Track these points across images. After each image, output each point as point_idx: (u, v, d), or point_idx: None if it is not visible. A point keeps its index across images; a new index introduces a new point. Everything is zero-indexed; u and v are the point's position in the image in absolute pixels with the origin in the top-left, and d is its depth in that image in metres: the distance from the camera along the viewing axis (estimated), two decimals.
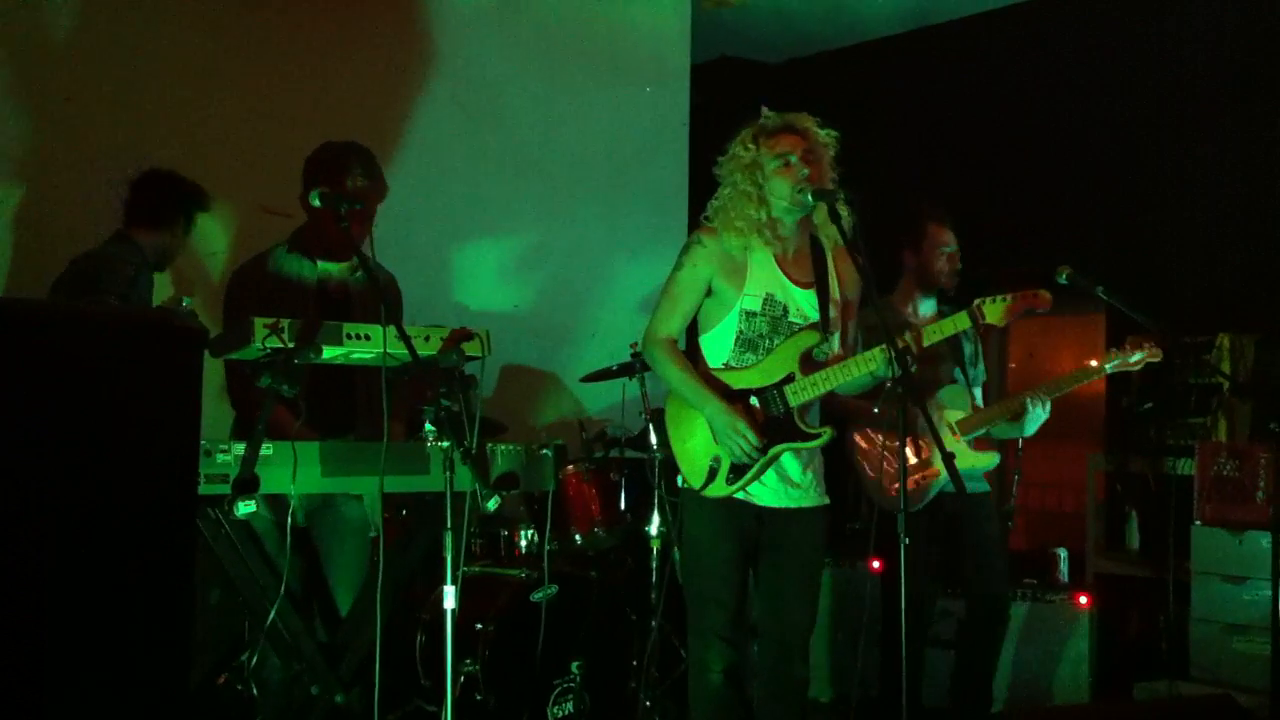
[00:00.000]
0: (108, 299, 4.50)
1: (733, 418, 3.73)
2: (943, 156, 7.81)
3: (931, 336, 3.80)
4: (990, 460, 4.90)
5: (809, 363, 3.80)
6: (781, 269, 3.86)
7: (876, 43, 8.30)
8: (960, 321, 3.83)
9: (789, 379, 3.78)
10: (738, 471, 3.78)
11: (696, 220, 4.01)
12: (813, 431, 3.80)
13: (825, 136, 3.87)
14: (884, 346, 3.64)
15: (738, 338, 3.84)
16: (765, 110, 3.90)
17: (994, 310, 3.81)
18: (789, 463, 3.84)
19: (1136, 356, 4.69)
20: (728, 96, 7.61)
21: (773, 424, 3.78)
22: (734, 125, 3.93)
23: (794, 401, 3.77)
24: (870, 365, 3.69)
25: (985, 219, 5.05)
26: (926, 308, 5.03)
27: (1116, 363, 4.70)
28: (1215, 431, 5.86)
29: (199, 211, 4.95)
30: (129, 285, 4.64)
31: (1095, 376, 4.78)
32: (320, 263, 4.05)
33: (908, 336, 3.72)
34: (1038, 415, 4.75)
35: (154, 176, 4.87)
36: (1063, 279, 4.58)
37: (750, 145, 3.84)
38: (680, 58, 7.36)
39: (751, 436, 3.71)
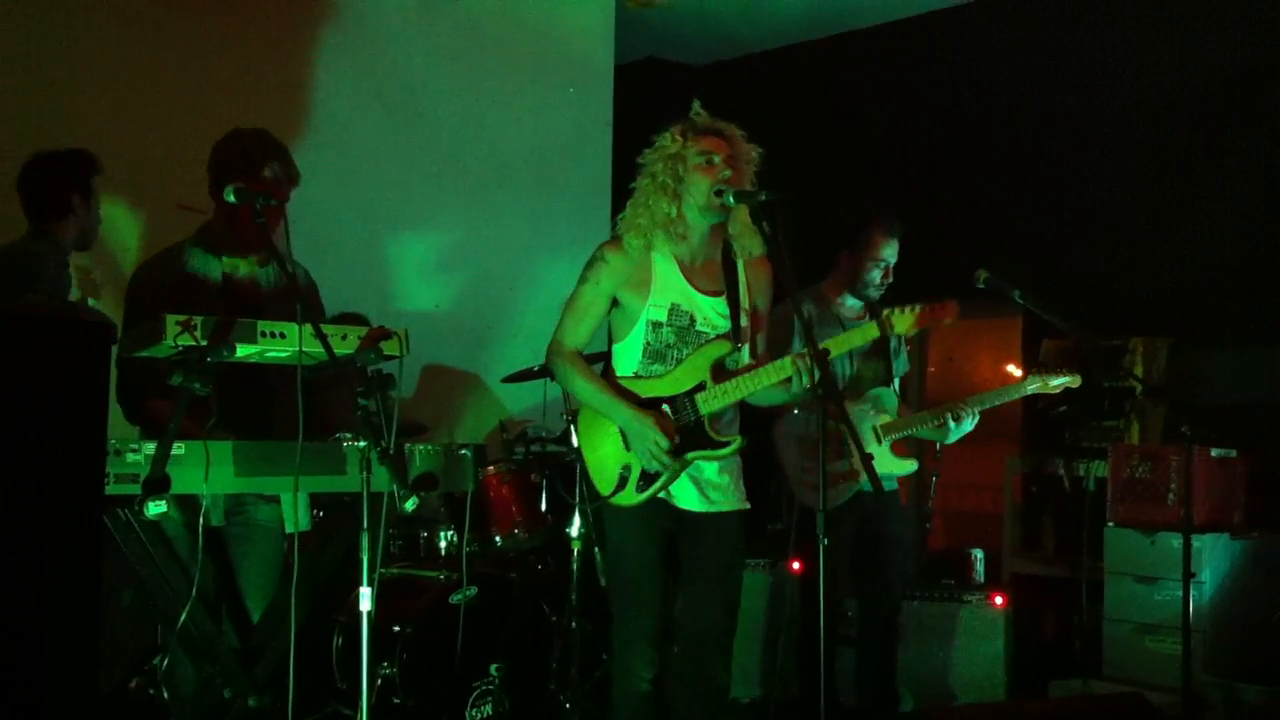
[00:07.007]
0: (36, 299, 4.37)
1: (645, 423, 3.71)
2: (862, 160, 7.88)
3: (837, 348, 3.77)
4: (908, 467, 4.96)
5: (720, 372, 3.77)
6: (686, 277, 3.82)
7: (798, 47, 8.36)
8: (868, 332, 3.81)
9: (700, 388, 3.76)
10: (647, 480, 3.76)
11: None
12: (722, 440, 3.77)
13: (751, 150, 3.84)
14: (794, 355, 3.63)
15: (645, 349, 3.81)
16: (697, 107, 3.87)
17: (902, 320, 3.77)
18: (706, 466, 3.82)
19: (1057, 381, 4.79)
20: (652, 97, 7.63)
21: (683, 433, 3.75)
22: (658, 126, 3.91)
23: (704, 410, 3.75)
24: (781, 373, 3.66)
25: (902, 222, 5.09)
26: (851, 306, 5.06)
27: (1037, 385, 4.79)
28: (1128, 434, 5.95)
29: (94, 176, 4.76)
30: (54, 284, 4.52)
31: (1019, 395, 4.88)
32: (225, 258, 3.87)
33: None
34: (964, 426, 4.81)
35: (36, 164, 4.63)
36: (981, 282, 4.63)
37: (678, 138, 3.80)
38: (604, 58, 7.36)
39: (664, 441, 3.69)
